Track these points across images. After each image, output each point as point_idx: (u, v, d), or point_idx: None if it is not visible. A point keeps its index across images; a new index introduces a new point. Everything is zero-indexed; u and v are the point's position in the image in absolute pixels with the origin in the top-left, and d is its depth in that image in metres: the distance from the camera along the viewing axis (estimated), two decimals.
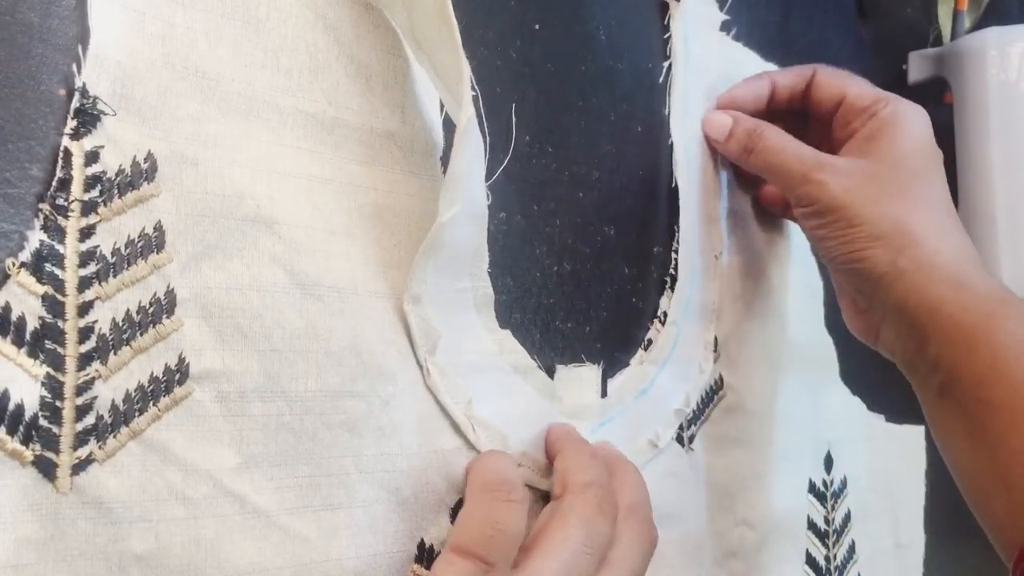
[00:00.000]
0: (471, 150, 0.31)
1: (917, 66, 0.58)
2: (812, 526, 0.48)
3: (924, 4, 0.61)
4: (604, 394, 0.40)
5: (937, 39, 0.61)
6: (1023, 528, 0.33)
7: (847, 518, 0.51)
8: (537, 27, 0.39)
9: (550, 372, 0.38)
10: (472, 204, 0.32)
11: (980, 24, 0.60)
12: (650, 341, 0.42)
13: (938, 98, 0.58)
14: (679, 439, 0.42)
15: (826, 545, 0.49)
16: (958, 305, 0.36)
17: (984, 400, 0.35)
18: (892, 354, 0.40)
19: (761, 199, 0.48)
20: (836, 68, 0.44)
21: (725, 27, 0.47)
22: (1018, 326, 0.35)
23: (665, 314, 0.43)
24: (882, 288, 0.38)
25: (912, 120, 0.40)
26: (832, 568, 0.49)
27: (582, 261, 0.40)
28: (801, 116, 0.45)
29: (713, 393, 0.44)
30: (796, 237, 0.50)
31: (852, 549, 0.50)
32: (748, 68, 0.47)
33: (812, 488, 0.49)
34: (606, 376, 0.40)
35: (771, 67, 0.49)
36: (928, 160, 0.40)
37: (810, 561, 0.48)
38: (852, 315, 0.42)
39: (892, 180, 0.38)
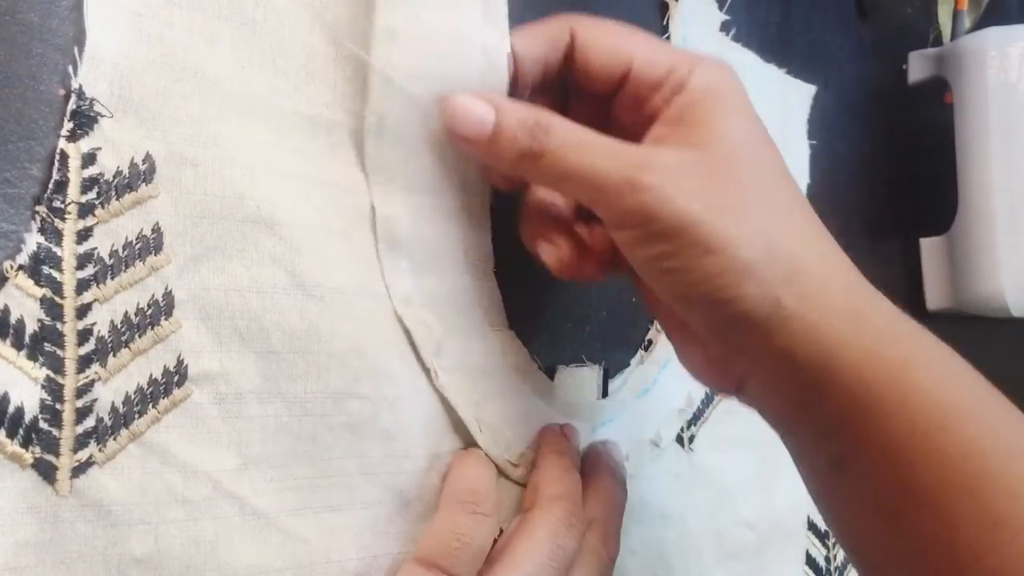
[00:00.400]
0: (393, 148, 0.31)
1: (917, 66, 0.58)
2: (812, 526, 0.48)
3: (924, 4, 0.61)
4: (605, 394, 0.40)
5: (937, 39, 0.61)
6: None
7: None
8: None
9: (550, 372, 0.38)
10: (435, 201, 0.32)
11: (980, 24, 0.60)
12: (650, 341, 0.42)
13: (938, 98, 0.58)
14: (679, 439, 0.42)
15: (826, 545, 0.49)
16: (862, 353, 0.26)
17: (900, 485, 0.26)
18: (762, 409, 0.30)
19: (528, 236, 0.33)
20: (599, 19, 0.31)
21: (724, 27, 0.46)
22: (939, 378, 0.26)
23: None
24: (758, 335, 0.27)
25: (733, 89, 0.29)
26: (832, 568, 0.49)
27: None
28: (555, 92, 0.33)
29: (713, 394, 0.44)
30: None
31: None
32: (748, 69, 0.47)
33: None
34: (606, 376, 0.40)
35: (771, 68, 0.49)
36: (768, 144, 0.29)
37: (810, 562, 0.48)
38: (701, 362, 0.31)
39: (737, 177, 0.28)
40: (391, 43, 0.30)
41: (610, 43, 0.30)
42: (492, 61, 0.31)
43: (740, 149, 0.28)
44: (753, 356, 0.28)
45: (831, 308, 0.27)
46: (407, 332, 0.32)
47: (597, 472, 0.35)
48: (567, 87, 0.32)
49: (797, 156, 0.51)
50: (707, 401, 0.44)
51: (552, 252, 0.32)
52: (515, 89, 0.31)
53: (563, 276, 0.32)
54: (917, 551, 0.26)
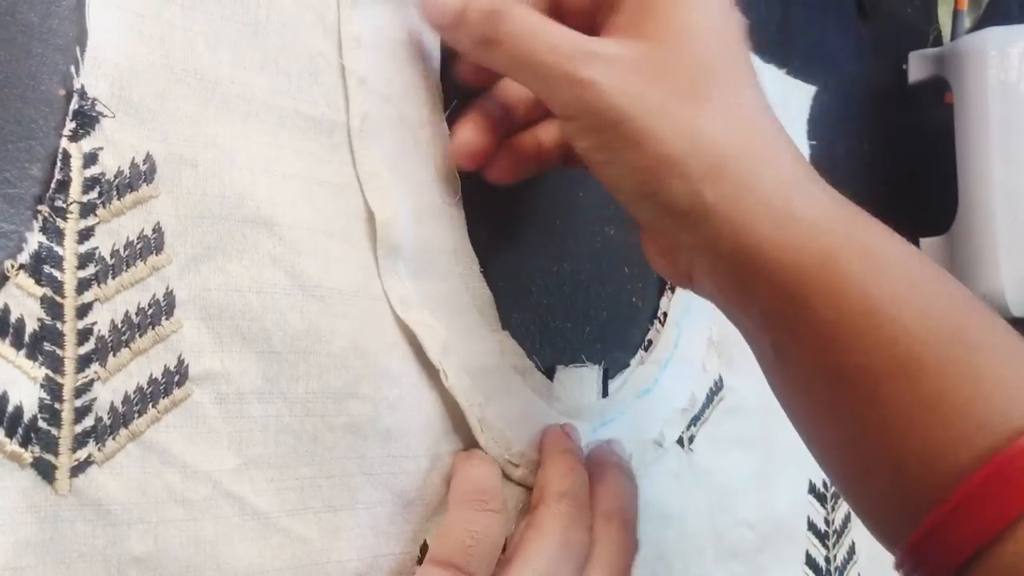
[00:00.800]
0: (381, 149, 0.32)
1: (917, 66, 0.58)
2: (812, 527, 0.48)
3: (924, 4, 0.61)
4: (605, 394, 0.40)
5: (937, 39, 0.61)
6: (899, 521, 0.26)
7: (847, 519, 0.50)
8: None
9: (550, 373, 0.38)
10: (423, 202, 0.33)
11: (980, 24, 0.60)
12: (650, 342, 0.42)
13: (938, 98, 0.58)
14: (679, 440, 0.42)
15: (826, 546, 0.49)
16: (785, 246, 0.26)
17: (832, 370, 0.26)
18: (711, 299, 0.31)
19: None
20: None
21: None
22: (868, 266, 0.26)
23: (665, 315, 0.43)
24: (687, 227, 0.28)
25: None
26: (832, 569, 0.49)
27: (582, 261, 0.40)
28: None
29: (713, 394, 0.44)
30: None
31: (852, 550, 0.50)
32: None
33: (812, 489, 0.49)
34: (607, 377, 0.40)
35: (771, 69, 0.49)
36: (730, 40, 0.29)
37: (810, 562, 0.48)
38: (654, 254, 0.31)
39: (683, 74, 0.28)
40: (358, 49, 0.31)
41: None
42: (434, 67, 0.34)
43: (691, 43, 0.28)
44: (688, 249, 0.29)
45: (756, 203, 0.27)
46: (410, 333, 0.32)
47: (605, 468, 0.35)
48: None
49: None
50: (707, 402, 0.44)
51: (468, 133, 0.33)
52: None
53: (462, 162, 0.33)
54: (853, 436, 0.26)
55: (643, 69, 0.27)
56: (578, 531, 0.31)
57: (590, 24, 0.30)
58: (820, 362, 0.26)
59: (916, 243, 0.58)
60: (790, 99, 0.51)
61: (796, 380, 0.28)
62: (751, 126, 0.28)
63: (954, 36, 0.58)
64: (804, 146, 0.52)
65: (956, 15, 0.59)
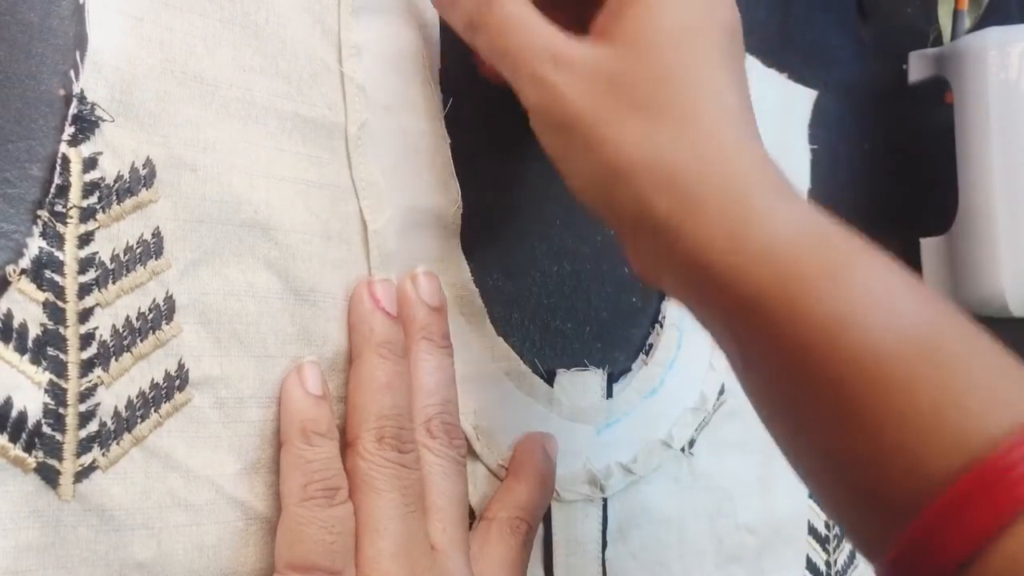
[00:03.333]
0: (378, 157, 0.32)
1: (917, 66, 0.58)
2: (813, 531, 0.48)
3: (924, 4, 0.61)
4: (609, 395, 0.40)
5: (937, 39, 0.61)
6: (879, 536, 0.25)
7: None
8: None
9: (551, 376, 0.38)
10: (416, 212, 0.33)
11: (980, 24, 0.60)
12: (651, 345, 0.42)
13: (938, 98, 0.58)
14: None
15: (827, 550, 0.49)
16: (740, 262, 0.25)
17: (799, 383, 0.25)
18: (683, 305, 0.30)
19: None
20: None
21: None
22: (826, 280, 0.25)
23: (664, 317, 0.43)
24: (642, 235, 0.27)
25: None
26: (833, 573, 0.49)
27: (582, 261, 0.40)
28: None
29: (715, 396, 0.44)
30: None
31: (853, 554, 0.50)
32: (748, 73, 0.46)
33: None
34: (611, 380, 0.40)
35: (772, 73, 0.49)
36: (702, 46, 0.28)
37: (811, 566, 0.48)
38: (627, 254, 0.30)
39: (643, 83, 0.27)
40: (357, 57, 0.31)
41: None
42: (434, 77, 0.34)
43: (656, 49, 0.27)
44: (648, 256, 0.28)
45: (710, 217, 0.26)
46: None
47: (519, 471, 0.34)
48: None
49: (798, 161, 0.51)
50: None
51: None
52: None
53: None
54: (824, 447, 0.25)
55: (604, 75, 0.27)
56: (405, 471, 0.29)
57: (581, 18, 0.30)
58: (787, 375, 0.26)
59: (916, 243, 0.58)
60: (791, 104, 0.51)
61: (765, 390, 0.27)
62: (708, 139, 0.27)
63: (954, 36, 0.58)
64: (805, 150, 0.52)
65: (956, 15, 0.59)
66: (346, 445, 0.29)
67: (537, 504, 0.34)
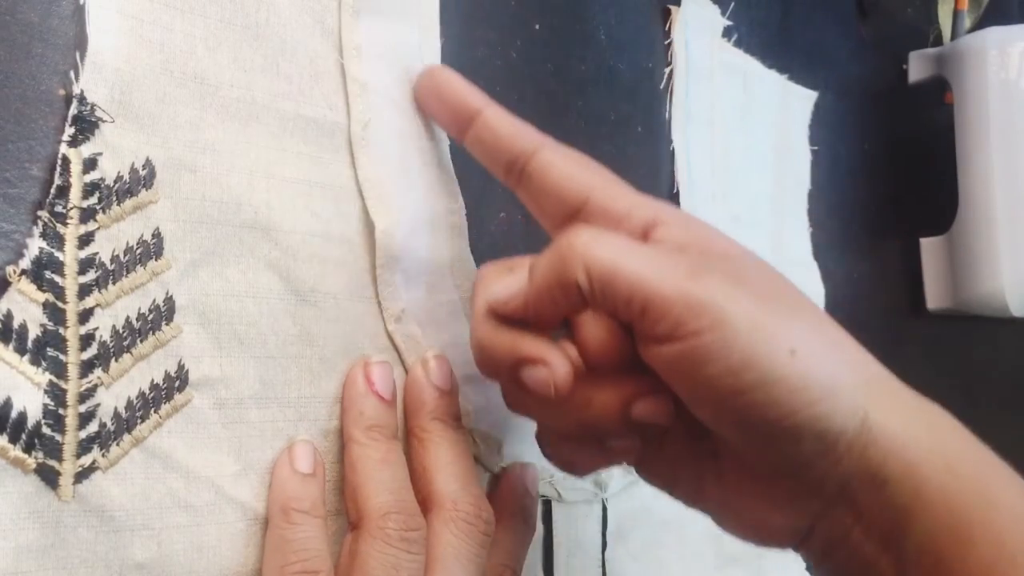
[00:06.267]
0: (382, 157, 0.31)
1: (917, 66, 0.58)
2: None
3: (924, 4, 0.61)
4: None
5: (937, 39, 0.61)
6: None
7: None
8: (537, 27, 0.39)
9: None
10: (421, 212, 0.32)
11: (980, 24, 0.60)
12: None
13: (938, 98, 0.58)
14: None
15: None
16: (949, 476, 0.23)
17: None
18: (822, 563, 0.28)
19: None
20: (563, 147, 0.30)
21: (727, 33, 0.46)
22: (1016, 504, 0.24)
23: None
24: (846, 461, 0.24)
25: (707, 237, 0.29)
26: None
27: None
28: None
29: None
30: (796, 240, 0.50)
31: None
32: (749, 76, 0.46)
33: None
34: None
35: (772, 75, 0.49)
36: (767, 268, 0.28)
37: (811, 567, 0.48)
38: (751, 520, 0.28)
39: (778, 297, 0.26)
40: (358, 58, 0.31)
41: (571, 168, 0.30)
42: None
43: (758, 275, 0.27)
44: (829, 492, 0.25)
45: (907, 415, 0.24)
46: (396, 348, 0.32)
47: (503, 516, 0.32)
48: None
49: (798, 162, 0.51)
50: None
51: (556, 362, 0.27)
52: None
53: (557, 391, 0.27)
54: None
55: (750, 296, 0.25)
56: (407, 519, 0.28)
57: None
58: None
59: (916, 243, 0.58)
60: (791, 105, 0.51)
61: None
62: (846, 336, 0.26)
63: (954, 36, 0.58)
64: (805, 150, 0.52)
65: (956, 15, 0.59)
66: (350, 526, 0.29)
67: (521, 548, 0.33)
